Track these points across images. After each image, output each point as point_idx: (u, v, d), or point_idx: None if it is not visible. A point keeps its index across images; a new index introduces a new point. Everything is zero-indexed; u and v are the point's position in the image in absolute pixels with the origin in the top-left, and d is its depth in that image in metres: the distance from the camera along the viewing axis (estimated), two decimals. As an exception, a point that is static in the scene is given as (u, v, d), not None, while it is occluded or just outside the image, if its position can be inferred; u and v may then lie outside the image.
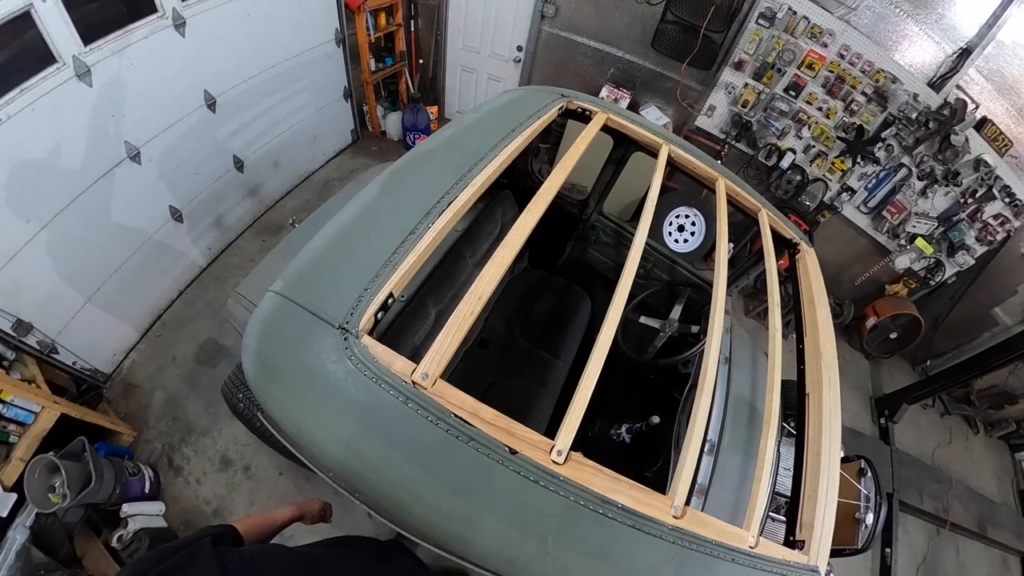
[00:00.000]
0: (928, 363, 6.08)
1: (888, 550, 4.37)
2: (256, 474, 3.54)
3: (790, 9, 4.53)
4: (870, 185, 5.17)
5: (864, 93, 4.73)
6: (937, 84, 4.55)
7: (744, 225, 5.10)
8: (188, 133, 3.95)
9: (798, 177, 5.27)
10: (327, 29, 5.13)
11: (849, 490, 2.60)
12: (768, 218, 2.73)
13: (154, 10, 3.39)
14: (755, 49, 4.79)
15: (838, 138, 5.00)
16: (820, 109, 4.93)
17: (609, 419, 3.06)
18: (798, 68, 4.77)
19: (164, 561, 1.09)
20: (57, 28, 2.83)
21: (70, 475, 2.69)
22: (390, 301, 1.45)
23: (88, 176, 3.28)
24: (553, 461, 1.29)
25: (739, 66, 4.92)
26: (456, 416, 1.27)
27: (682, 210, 5.37)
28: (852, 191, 5.24)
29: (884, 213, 5.20)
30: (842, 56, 4.61)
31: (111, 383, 3.86)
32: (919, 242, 5.24)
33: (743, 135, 5.24)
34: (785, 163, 5.22)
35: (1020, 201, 4.81)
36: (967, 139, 4.59)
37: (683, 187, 5.50)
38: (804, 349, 2.28)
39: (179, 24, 3.55)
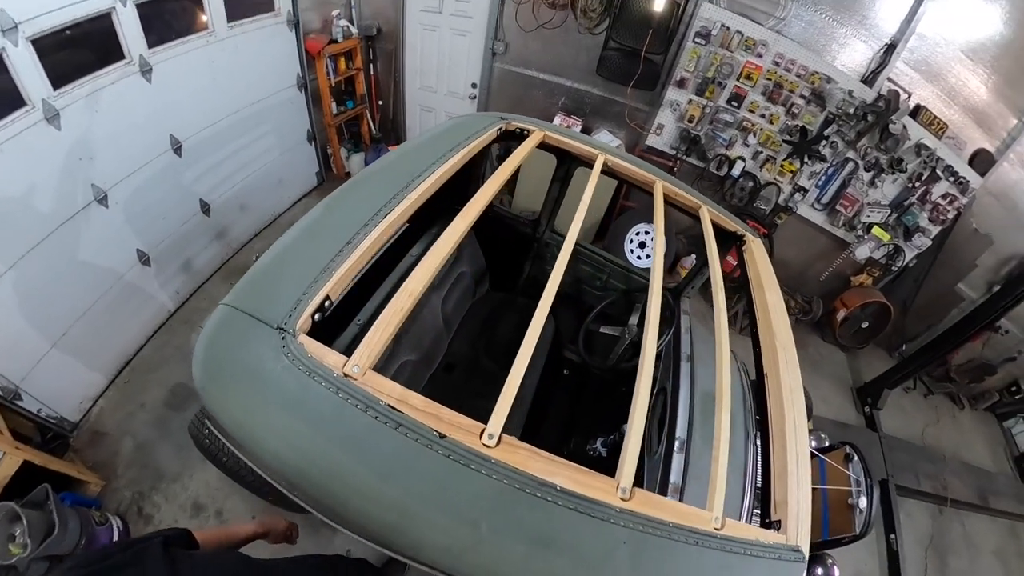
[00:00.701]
0: (904, 347, 6.17)
1: (892, 536, 4.37)
2: (229, 518, 3.48)
3: (723, 25, 4.73)
4: (820, 182, 5.33)
5: (802, 96, 4.91)
6: (870, 79, 4.75)
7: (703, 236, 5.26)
8: (155, 177, 4.02)
9: (750, 183, 5.42)
10: (289, 75, 5.23)
11: (838, 477, 2.68)
12: (709, 213, 2.83)
13: (122, 57, 3.51)
14: (695, 66, 4.97)
15: (783, 141, 5.17)
16: (763, 116, 5.10)
17: (584, 435, 3.11)
18: (737, 80, 4.96)
19: (110, 557, 1.06)
20: (28, 72, 2.93)
21: (32, 524, 2.58)
22: (327, 304, 1.51)
23: (55, 218, 3.32)
24: (484, 444, 1.28)
25: (681, 84, 5.09)
26: (385, 404, 1.28)
27: (642, 227, 5.53)
28: (804, 190, 5.39)
29: (838, 207, 5.36)
30: (777, 64, 4.80)
31: (78, 431, 3.75)
32: (875, 231, 5.39)
33: (693, 149, 5.39)
34: (736, 171, 5.38)
35: (963, 179, 4.99)
36: (904, 127, 4.77)
37: (641, 205, 5.67)
38: (758, 332, 2.35)
39: (146, 71, 3.67)
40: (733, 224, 2.96)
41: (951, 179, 5.01)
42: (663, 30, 4.82)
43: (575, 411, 3.36)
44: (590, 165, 2.78)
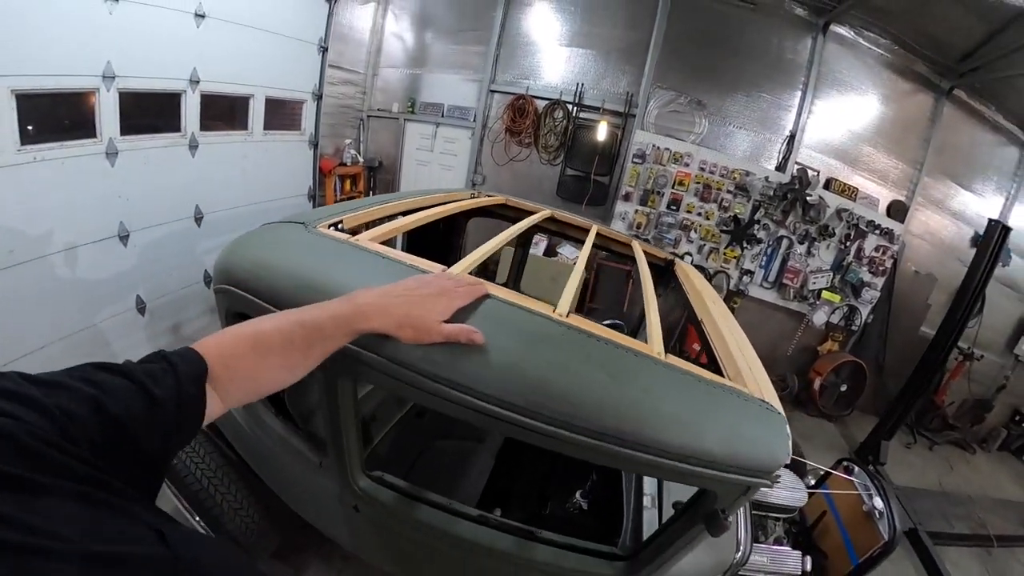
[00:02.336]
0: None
1: None
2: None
3: (654, 146, 5.79)
4: (763, 262, 5.96)
5: (729, 191, 5.81)
6: (783, 165, 5.74)
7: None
8: (173, 236, 4.36)
9: (701, 275, 5.97)
10: (303, 184, 5.88)
11: (845, 489, 2.79)
12: (640, 245, 3.25)
13: (179, 129, 4.24)
14: (636, 181, 5.90)
15: (721, 231, 5.91)
16: (700, 214, 5.93)
17: (563, 494, 3.17)
18: (672, 187, 5.86)
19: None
20: (108, 114, 3.62)
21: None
22: (340, 224, 1.77)
23: (82, 236, 3.65)
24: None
25: (627, 197, 5.97)
26: (375, 251, 1.53)
27: (607, 322, 5.89)
28: (751, 272, 5.98)
29: (784, 281, 5.92)
30: (703, 169, 5.79)
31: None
32: (825, 295, 5.90)
33: None
34: None
35: (887, 229, 5.74)
36: (821, 198, 5.64)
37: (605, 305, 6.11)
38: (690, 301, 2.64)
39: (193, 146, 4.35)
40: (663, 254, 3.46)
41: (876, 232, 5.76)
42: (607, 156, 5.91)
43: (551, 471, 3.24)
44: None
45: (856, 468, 2.93)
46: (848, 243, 5.80)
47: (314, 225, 1.69)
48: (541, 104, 5.89)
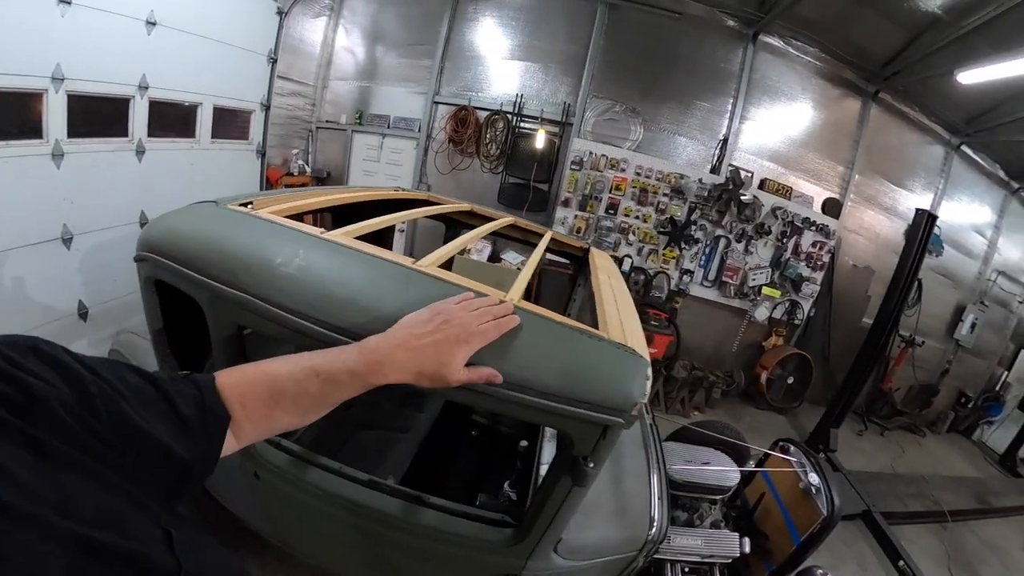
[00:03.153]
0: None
1: (901, 563, 3.93)
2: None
3: (591, 153, 5.93)
4: (702, 262, 6.06)
5: (665, 194, 5.94)
6: (717, 168, 5.90)
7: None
8: (117, 242, 4.29)
9: (642, 276, 6.06)
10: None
11: (782, 473, 2.78)
12: (553, 234, 3.32)
13: (126, 135, 4.30)
14: (574, 187, 6.03)
15: (659, 233, 6.02)
16: (637, 217, 6.04)
17: (494, 486, 3.11)
18: (610, 192, 6.00)
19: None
20: (55, 115, 3.68)
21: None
22: (249, 204, 1.89)
23: (21, 237, 3.61)
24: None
25: (566, 203, 6.09)
26: (266, 218, 1.68)
27: None
28: (691, 272, 6.07)
29: (724, 279, 5.99)
30: (639, 174, 5.94)
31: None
32: (766, 291, 5.94)
33: None
34: (626, 267, 6.04)
35: (822, 225, 5.86)
36: (756, 197, 5.75)
37: (548, 306, 6.11)
38: (591, 277, 2.67)
39: (140, 152, 4.40)
40: (577, 243, 3.57)
41: (812, 228, 5.87)
42: (546, 163, 6.08)
43: (482, 470, 3.29)
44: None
45: (792, 447, 2.90)
46: (785, 240, 5.89)
47: (224, 204, 1.83)
48: (483, 115, 6.09)
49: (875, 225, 6.26)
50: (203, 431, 0.77)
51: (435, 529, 1.74)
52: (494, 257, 6.26)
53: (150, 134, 4.59)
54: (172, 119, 4.90)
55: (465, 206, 3.39)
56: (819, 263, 5.98)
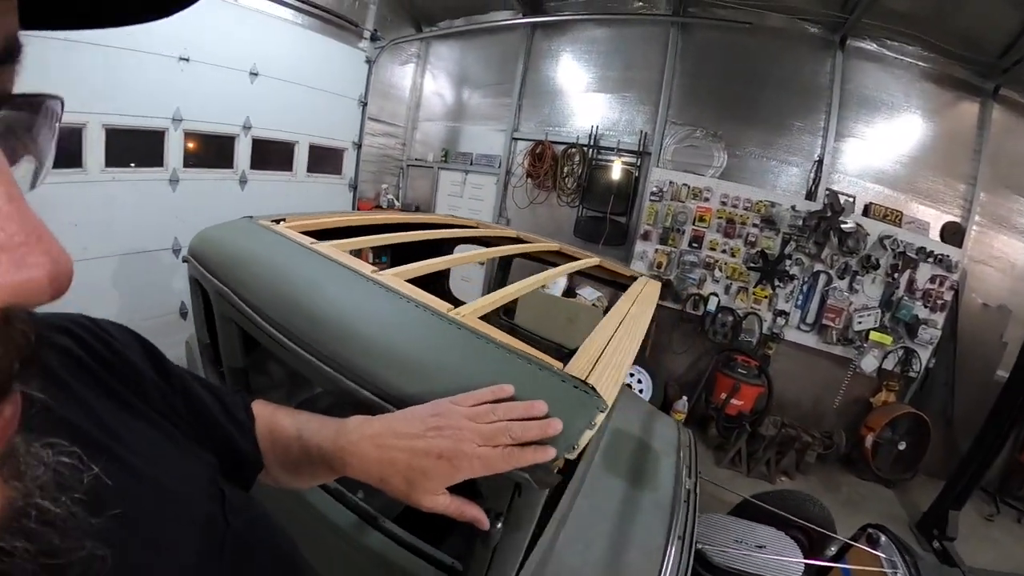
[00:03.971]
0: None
1: None
2: None
3: (671, 182, 5.55)
4: (799, 302, 5.30)
5: (755, 224, 5.33)
6: (813, 193, 5.20)
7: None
8: None
9: (730, 318, 5.43)
10: None
11: (867, 567, 2.29)
12: (602, 262, 3.04)
13: (231, 166, 5.07)
14: (654, 219, 5.64)
15: (749, 269, 5.37)
16: (724, 251, 5.46)
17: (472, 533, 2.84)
18: (693, 224, 5.52)
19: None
20: (174, 149, 4.58)
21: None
22: (281, 221, 2.06)
23: (142, 244, 4.44)
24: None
25: (646, 236, 5.69)
26: (298, 242, 1.77)
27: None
28: (785, 314, 5.32)
29: (825, 322, 5.17)
30: (724, 203, 5.41)
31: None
32: (874, 336, 5.03)
33: (667, 292, 5.57)
34: (712, 306, 5.47)
35: (941, 255, 4.87)
36: (858, 225, 4.96)
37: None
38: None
39: (243, 181, 5.17)
40: (628, 271, 3.26)
41: (929, 260, 4.92)
42: (623, 195, 5.79)
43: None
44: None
45: (883, 538, 2.34)
46: (896, 275, 4.97)
47: (257, 220, 2.01)
48: (560, 148, 6.02)
49: (1010, 253, 5.03)
50: (252, 435, 0.84)
51: (378, 555, 1.54)
52: (570, 292, 6.03)
53: (252, 167, 5.27)
54: (272, 155, 5.51)
55: (554, 246, 3.14)
56: (939, 302, 4.94)
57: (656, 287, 2.86)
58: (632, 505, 1.99)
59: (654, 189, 5.61)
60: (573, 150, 5.94)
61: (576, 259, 3.01)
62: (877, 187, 5.18)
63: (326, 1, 5.60)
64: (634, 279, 2.84)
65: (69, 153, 4.04)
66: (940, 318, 4.99)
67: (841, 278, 5.14)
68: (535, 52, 6.17)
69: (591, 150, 5.88)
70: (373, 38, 6.16)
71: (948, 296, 4.95)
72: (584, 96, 6.05)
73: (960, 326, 5.07)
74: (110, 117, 4.15)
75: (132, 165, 4.43)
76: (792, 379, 5.40)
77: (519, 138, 6.30)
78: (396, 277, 1.47)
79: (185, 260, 2.00)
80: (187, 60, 4.52)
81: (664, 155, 5.68)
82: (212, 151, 5.04)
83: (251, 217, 2.00)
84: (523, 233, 3.33)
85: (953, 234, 4.97)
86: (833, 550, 2.63)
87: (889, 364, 5.10)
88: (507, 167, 6.40)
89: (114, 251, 4.33)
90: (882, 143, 5.13)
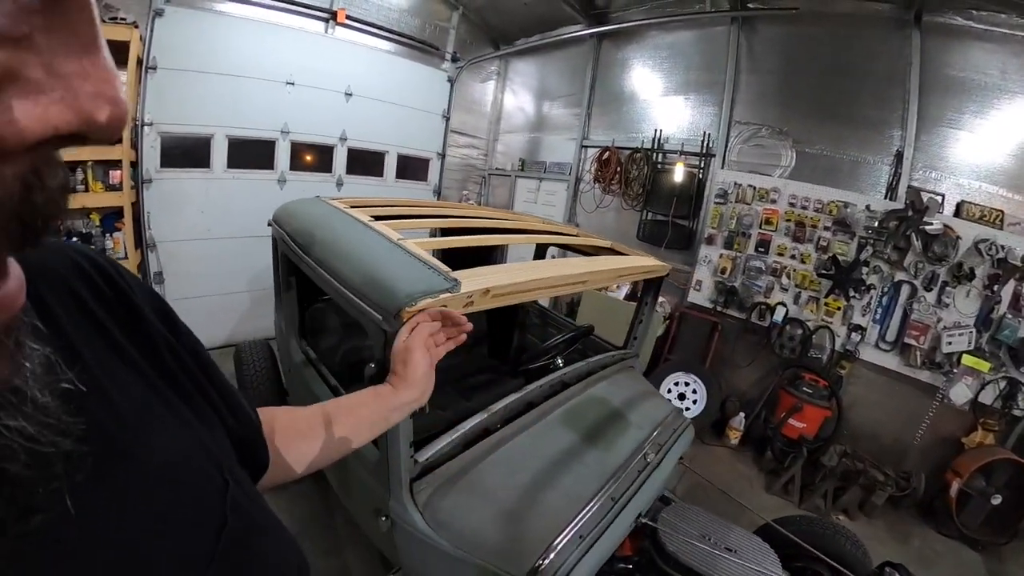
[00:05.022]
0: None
1: None
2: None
3: (736, 184, 5.13)
4: (877, 316, 4.50)
5: (826, 227, 4.70)
6: (892, 191, 4.47)
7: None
8: None
9: (799, 331, 4.80)
10: None
11: None
12: (614, 245, 3.05)
13: (330, 171, 6.03)
14: (719, 223, 5.24)
15: (820, 276, 4.73)
16: (794, 256, 4.89)
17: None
18: (760, 227, 5.03)
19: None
20: (282, 156, 5.58)
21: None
22: (337, 200, 2.72)
23: (249, 231, 5.22)
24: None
25: (711, 240, 5.30)
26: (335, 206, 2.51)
27: (679, 376, 5.06)
28: (862, 329, 4.55)
29: (907, 341, 4.29)
30: (792, 205, 4.86)
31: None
32: (967, 360, 4.04)
33: (731, 300, 5.17)
34: (779, 317, 4.90)
35: None
36: (947, 227, 4.11)
37: (682, 354, 5.38)
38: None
39: (340, 184, 6.11)
40: (651, 260, 2.98)
41: None
42: (686, 197, 5.47)
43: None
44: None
45: (896, 574, 1.99)
46: (996, 287, 3.97)
47: (322, 198, 2.72)
48: (625, 154, 5.91)
49: None
50: (260, 427, 0.81)
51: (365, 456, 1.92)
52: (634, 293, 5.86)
53: (348, 172, 6.04)
54: (365, 162, 6.23)
55: (605, 243, 3.15)
56: None
57: (652, 265, 2.85)
58: (575, 458, 2.02)
59: (719, 191, 5.21)
60: (638, 154, 5.76)
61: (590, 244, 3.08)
62: (973, 183, 4.21)
63: (410, 29, 6.22)
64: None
65: (200, 156, 5.06)
66: (1055, 342, 3.89)
67: (928, 289, 4.27)
68: (602, 62, 6.15)
69: (655, 154, 5.66)
70: (453, 59, 6.64)
71: (1066, 315, 3.86)
72: (649, 101, 5.89)
73: (1083, 350, 3.98)
74: (232, 130, 5.14)
75: (249, 167, 5.35)
76: (868, 406, 4.62)
77: (588, 145, 6.29)
78: (381, 223, 2.14)
79: (269, 224, 2.70)
80: (292, 84, 5.39)
81: (729, 156, 5.28)
82: (314, 158, 5.89)
83: (319, 197, 2.66)
84: (581, 230, 3.46)
85: (1073, 236, 3.93)
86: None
87: (988, 398, 4.04)
88: (577, 174, 6.41)
89: (232, 234, 5.29)
90: (977, 131, 4.16)
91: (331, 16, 5.59)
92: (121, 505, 0.46)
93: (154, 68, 4.50)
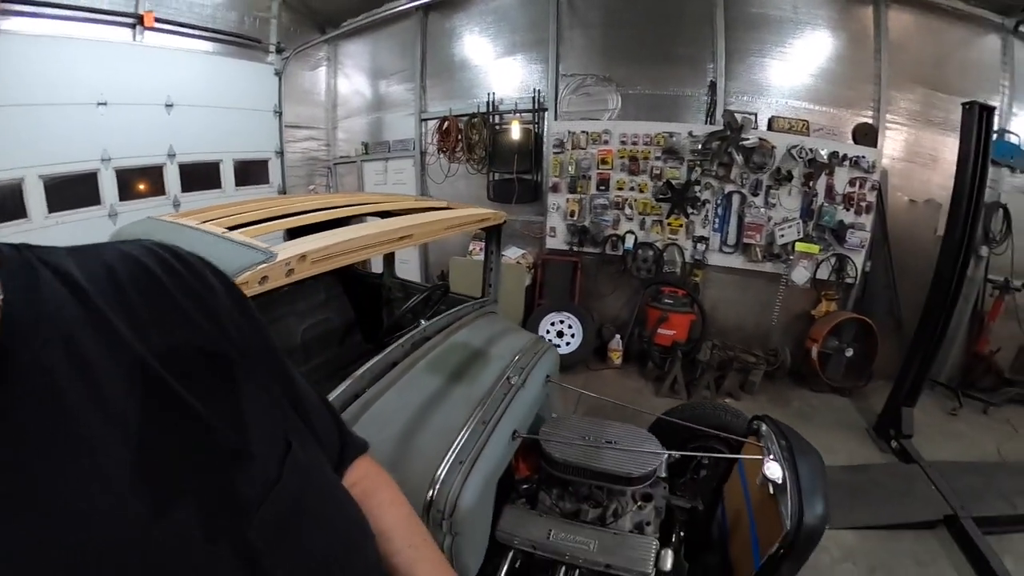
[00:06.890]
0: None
1: None
2: None
3: (569, 132, 5.15)
4: (717, 225, 4.72)
5: (657, 157, 4.86)
6: (711, 118, 4.77)
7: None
8: None
9: (650, 252, 4.95)
10: None
11: (755, 452, 1.90)
12: (449, 204, 2.92)
13: (163, 193, 5.42)
14: (560, 171, 5.24)
15: (658, 200, 4.90)
16: (632, 188, 5.02)
17: None
18: (597, 168, 5.11)
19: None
20: (108, 186, 4.87)
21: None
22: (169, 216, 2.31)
23: None
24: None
25: (556, 188, 5.31)
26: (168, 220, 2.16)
27: (553, 316, 5.08)
28: (705, 239, 4.74)
29: (747, 241, 4.56)
30: (624, 142, 4.98)
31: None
32: (800, 247, 4.41)
33: (585, 238, 5.22)
34: (629, 244, 5.02)
35: (856, 157, 4.27)
36: (761, 140, 4.44)
37: (552, 297, 5.40)
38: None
39: (176, 204, 5.48)
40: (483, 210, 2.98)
41: (844, 163, 4.30)
42: (527, 153, 5.43)
43: None
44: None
45: (764, 427, 1.92)
46: (812, 183, 4.34)
47: (155, 217, 2.35)
48: (464, 121, 5.76)
49: (930, 146, 4.37)
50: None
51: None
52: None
53: (184, 190, 5.39)
54: (200, 176, 5.59)
55: (440, 203, 2.98)
56: (863, 204, 4.28)
57: (484, 214, 2.84)
58: (443, 398, 2.05)
59: (556, 142, 5.23)
60: (476, 119, 5.59)
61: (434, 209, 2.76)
62: (781, 101, 4.71)
63: (228, 25, 5.65)
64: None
65: (13, 207, 4.25)
66: (868, 220, 4.33)
67: (755, 195, 4.52)
68: (431, 33, 5.95)
69: (492, 116, 5.54)
70: (279, 50, 6.14)
71: (871, 197, 4.30)
72: (481, 67, 5.79)
73: (890, 225, 4.39)
74: (44, 168, 4.37)
75: (73, 207, 4.60)
76: (727, 303, 4.90)
77: (427, 118, 6.03)
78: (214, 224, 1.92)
79: None
80: (105, 104, 4.70)
81: (561, 108, 5.32)
82: (144, 182, 5.19)
83: (150, 216, 2.39)
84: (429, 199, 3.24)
85: (865, 135, 4.36)
86: (725, 451, 2.35)
87: (824, 274, 4.43)
88: (420, 148, 6.15)
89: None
90: (779, 58, 4.67)
91: (137, 20, 4.89)
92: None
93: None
